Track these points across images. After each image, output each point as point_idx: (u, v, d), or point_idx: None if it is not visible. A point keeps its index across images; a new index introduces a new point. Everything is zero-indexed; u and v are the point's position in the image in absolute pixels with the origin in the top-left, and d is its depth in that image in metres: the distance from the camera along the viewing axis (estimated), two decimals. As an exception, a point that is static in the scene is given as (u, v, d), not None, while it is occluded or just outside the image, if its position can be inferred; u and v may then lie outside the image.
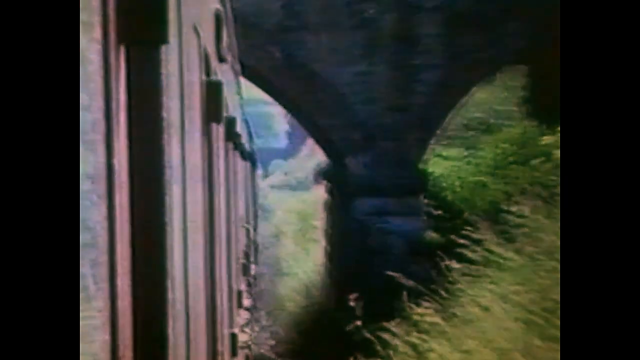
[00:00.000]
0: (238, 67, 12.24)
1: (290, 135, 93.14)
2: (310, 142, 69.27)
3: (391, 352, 13.85)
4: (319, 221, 35.37)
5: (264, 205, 49.13)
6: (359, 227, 20.39)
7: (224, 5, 6.97)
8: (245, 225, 15.24)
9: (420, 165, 21.22)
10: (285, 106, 23.71)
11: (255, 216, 26.74)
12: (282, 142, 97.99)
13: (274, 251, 37.33)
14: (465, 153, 24.34)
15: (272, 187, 63.33)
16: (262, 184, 57.92)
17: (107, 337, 1.95)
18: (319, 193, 47.14)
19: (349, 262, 20.49)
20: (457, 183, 22.67)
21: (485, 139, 24.73)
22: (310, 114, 21.26)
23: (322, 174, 25.64)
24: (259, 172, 45.52)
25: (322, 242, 26.53)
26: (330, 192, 23.75)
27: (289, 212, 47.55)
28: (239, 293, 10.01)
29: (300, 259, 33.79)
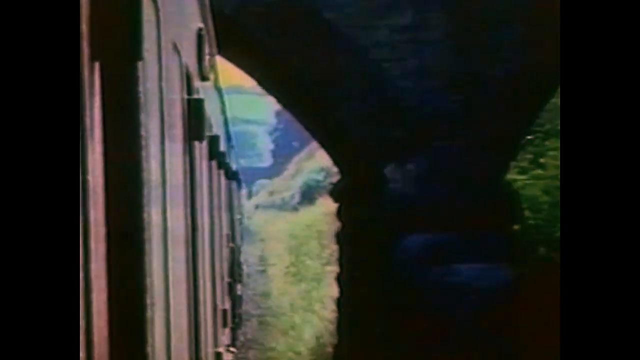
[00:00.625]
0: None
1: (275, 153, 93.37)
2: (296, 159, 69.03)
3: None
4: (316, 257, 29.43)
5: (249, 227, 44.77)
6: (403, 279, 11.85)
7: (205, 23, 6.97)
8: (231, 244, 15.20)
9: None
10: (275, 90, 14.53)
11: (241, 237, 26.33)
12: (267, 161, 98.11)
13: (262, 285, 31.38)
14: (528, 164, 17.35)
15: (257, 207, 62.75)
16: (247, 204, 55.57)
17: (83, 354, 1.93)
18: (310, 215, 41.85)
19: (387, 335, 11.97)
20: (524, 205, 15.09)
21: (553, 145, 17.11)
22: (322, 97, 12.55)
23: (333, 193, 15.75)
24: (243, 191, 43.36)
25: (332, 288, 17.71)
26: (344, 218, 14.94)
27: (277, 237, 41.72)
28: (224, 312, 9.97)
29: (296, 301, 26.64)
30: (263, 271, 34.39)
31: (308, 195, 51.50)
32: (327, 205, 41.20)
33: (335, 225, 29.64)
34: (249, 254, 34.77)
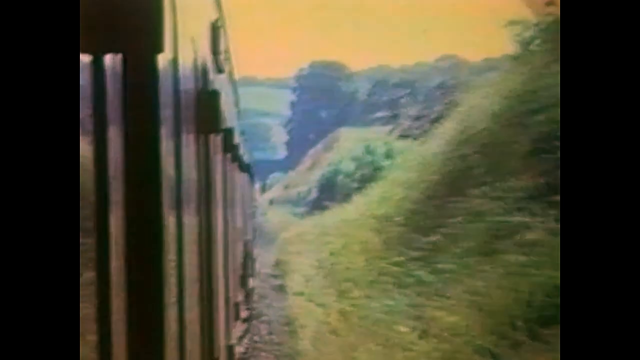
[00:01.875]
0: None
1: (289, 146, 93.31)
2: (312, 151, 67.80)
3: None
4: (377, 291, 17.35)
5: (262, 226, 36.79)
6: None
7: (221, 15, 6.97)
8: (243, 237, 15.22)
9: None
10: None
11: (253, 232, 23.48)
12: (281, 154, 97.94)
13: (280, 314, 20.47)
14: None
15: (272, 202, 59.89)
16: (260, 198, 49.63)
17: (100, 346, 1.94)
18: (343, 217, 29.80)
19: None
20: None
21: None
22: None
23: None
24: (257, 185, 36.68)
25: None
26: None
27: (299, 245, 30.34)
28: (236, 305, 9.99)
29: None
30: (280, 288, 24.96)
31: (333, 191, 45.50)
32: (366, 205, 28.83)
33: (393, 234, 21.18)
34: (261, 263, 26.85)
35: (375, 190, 31.12)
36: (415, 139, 36.96)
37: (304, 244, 30.31)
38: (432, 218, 19.28)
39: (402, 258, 19.08)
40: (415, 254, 18.27)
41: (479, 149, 19.47)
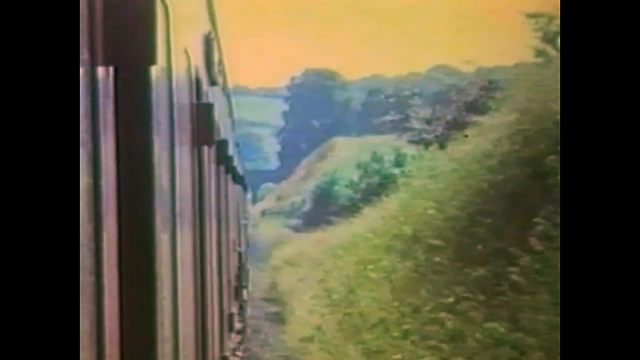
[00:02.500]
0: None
1: (281, 155, 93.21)
2: (306, 161, 67.23)
3: None
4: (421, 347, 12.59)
5: (254, 239, 31.89)
6: None
7: (214, 28, 6.98)
8: (237, 248, 15.20)
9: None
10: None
11: (247, 244, 22.85)
12: (273, 164, 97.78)
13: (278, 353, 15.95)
14: None
15: (264, 213, 58.42)
16: (252, 210, 45.58)
17: (93, 357, 1.93)
18: (347, 234, 24.82)
19: None
20: None
21: None
22: None
23: None
24: (248, 196, 36.86)
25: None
26: None
27: (298, 266, 25.30)
28: (230, 316, 9.97)
29: None
30: (276, 316, 20.71)
31: (330, 202, 42.25)
32: (382, 220, 23.16)
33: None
34: (254, 284, 21.47)
35: (390, 204, 25.57)
36: (429, 144, 31.49)
37: (305, 267, 24.74)
38: (485, 242, 14.46)
39: (451, 299, 13.50)
40: (470, 293, 13.04)
41: (543, 154, 14.13)
